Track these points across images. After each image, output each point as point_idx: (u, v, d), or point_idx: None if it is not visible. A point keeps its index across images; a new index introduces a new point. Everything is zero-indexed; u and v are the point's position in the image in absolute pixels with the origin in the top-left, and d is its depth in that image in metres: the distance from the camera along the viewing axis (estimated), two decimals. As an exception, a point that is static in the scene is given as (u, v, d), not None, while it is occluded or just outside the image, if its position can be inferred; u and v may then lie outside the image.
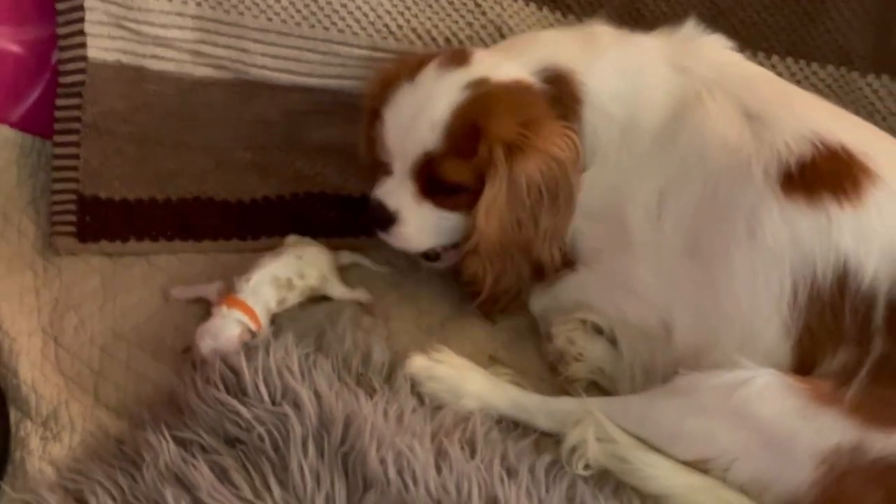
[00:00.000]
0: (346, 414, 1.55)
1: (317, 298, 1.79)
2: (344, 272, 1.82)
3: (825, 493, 1.45)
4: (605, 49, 1.71)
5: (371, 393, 1.62)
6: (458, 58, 1.69)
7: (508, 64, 1.68)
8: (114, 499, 1.52)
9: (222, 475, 1.53)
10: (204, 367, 1.63)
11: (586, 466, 1.57)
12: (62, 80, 1.90)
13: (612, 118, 1.68)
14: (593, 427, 1.57)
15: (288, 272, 1.74)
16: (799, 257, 1.50)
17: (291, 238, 1.82)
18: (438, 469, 1.53)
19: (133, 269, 1.84)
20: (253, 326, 1.67)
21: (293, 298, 1.75)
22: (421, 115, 1.64)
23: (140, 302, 1.80)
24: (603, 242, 1.70)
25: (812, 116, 1.58)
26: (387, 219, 1.70)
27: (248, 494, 1.50)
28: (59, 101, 1.91)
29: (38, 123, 1.96)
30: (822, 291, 1.49)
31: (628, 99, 1.67)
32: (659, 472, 1.53)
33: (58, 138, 1.91)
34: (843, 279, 1.48)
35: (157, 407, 1.64)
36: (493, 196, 1.63)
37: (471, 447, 1.58)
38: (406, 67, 1.70)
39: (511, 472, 1.55)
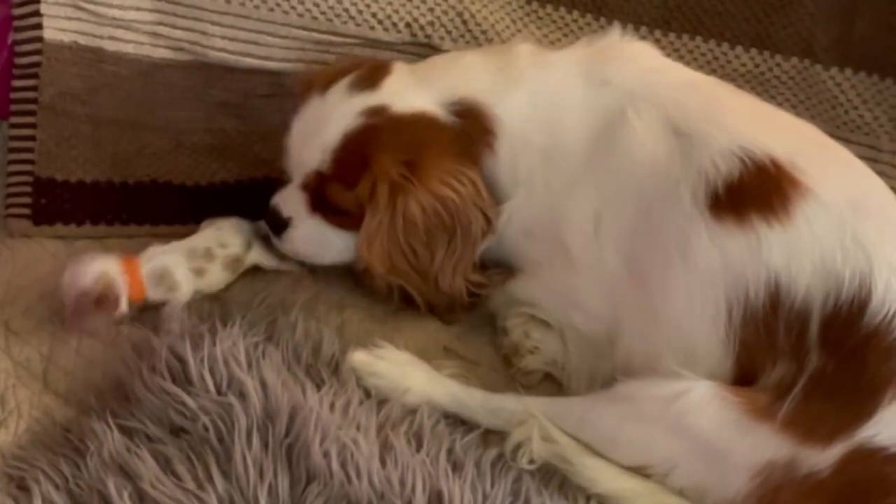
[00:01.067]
0: (291, 405, 1.55)
1: (266, 276, 1.79)
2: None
3: None
4: (519, 75, 1.67)
5: (319, 384, 1.62)
6: (372, 78, 1.68)
7: (417, 93, 1.67)
8: (56, 487, 1.52)
9: (166, 465, 1.53)
10: (151, 356, 1.62)
11: (531, 461, 1.57)
12: (18, 60, 1.88)
13: (530, 147, 1.65)
14: (537, 427, 1.57)
15: (206, 243, 1.75)
16: (731, 278, 1.49)
17: (206, 222, 1.81)
18: (383, 462, 1.53)
19: (86, 253, 1.82)
20: (122, 288, 1.67)
21: (217, 270, 1.75)
22: (317, 134, 1.65)
23: (91, 286, 1.78)
24: (544, 257, 1.69)
25: (741, 129, 1.55)
26: (280, 225, 1.72)
27: (191, 486, 1.50)
28: (16, 83, 1.89)
29: (-5, 104, 1.94)
30: (755, 310, 1.48)
31: (547, 125, 1.64)
32: (600, 476, 1.54)
33: (14, 119, 1.90)
34: (775, 297, 1.47)
35: (104, 394, 1.63)
36: (374, 229, 1.63)
37: (417, 440, 1.58)
38: (327, 76, 1.70)
39: (457, 466, 1.56)
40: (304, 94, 1.71)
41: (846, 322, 1.45)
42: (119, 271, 1.68)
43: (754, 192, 1.50)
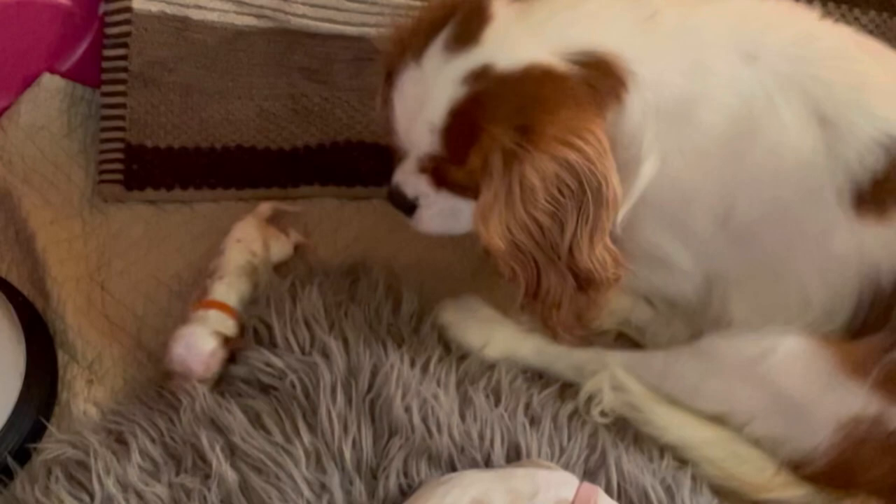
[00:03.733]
0: (373, 362, 1.61)
1: (346, 237, 1.85)
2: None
3: (839, 457, 1.47)
4: (665, 33, 1.47)
5: (399, 343, 1.66)
6: (469, 29, 1.45)
7: (527, 42, 1.44)
8: (152, 440, 1.59)
9: (255, 420, 1.59)
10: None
11: (602, 413, 1.60)
12: (108, 31, 1.94)
13: (662, 113, 1.47)
14: (608, 376, 1.60)
15: (246, 258, 1.74)
16: (866, 267, 1.49)
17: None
18: (462, 416, 1.58)
19: (176, 217, 1.89)
20: (233, 328, 1.67)
21: (265, 276, 1.76)
22: (420, 112, 1.46)
23: (181, 249, 1.85)
24: (654, 227, 1.58)
25: (886, 113, 1.48)
26: (407, 206, 1.58)
27: (279, 439, 1.56)
28: (106, 52, 1.95)
29: (88, 73, 2.00)
30: (882, 293, 1.49)
31: (686, 93, 1.47)
32: (670, 423, 1.57)
33: (105, 88, 1.96)
34: None
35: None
36: (489, 203, 1.44)
37: (495, 396, 1.62)
38: (420, 33, 1.48)
39: (534, 421, 1.60)
40: (398, 59, 1.50)
41: None
42: (225, 316, 1.68)
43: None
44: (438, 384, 1.61)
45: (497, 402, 1.61)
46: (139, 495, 1.54)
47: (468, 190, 1.50)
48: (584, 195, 1.43)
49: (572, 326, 1.58)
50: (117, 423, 1.63)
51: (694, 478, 1.55)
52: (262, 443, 1.56)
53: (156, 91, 1.94)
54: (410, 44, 1.49)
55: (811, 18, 1.56)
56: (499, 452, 1.55)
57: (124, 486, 1.54)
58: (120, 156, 1.93)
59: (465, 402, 1.60)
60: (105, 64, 1.96)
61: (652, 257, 1.60)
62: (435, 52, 1.45)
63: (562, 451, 1.57)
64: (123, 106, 1.94)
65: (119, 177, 1.91)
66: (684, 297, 1.64)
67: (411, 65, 1.47)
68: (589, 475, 1.53)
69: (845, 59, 1.52)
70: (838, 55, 1.52)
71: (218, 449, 1.56)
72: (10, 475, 1.61)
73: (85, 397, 1.69)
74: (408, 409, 1.57)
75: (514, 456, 1.56)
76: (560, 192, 1.43)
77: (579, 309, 1.55)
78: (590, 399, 1.61)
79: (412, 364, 1.62)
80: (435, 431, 1.56)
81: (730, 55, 1.48)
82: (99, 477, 1.55)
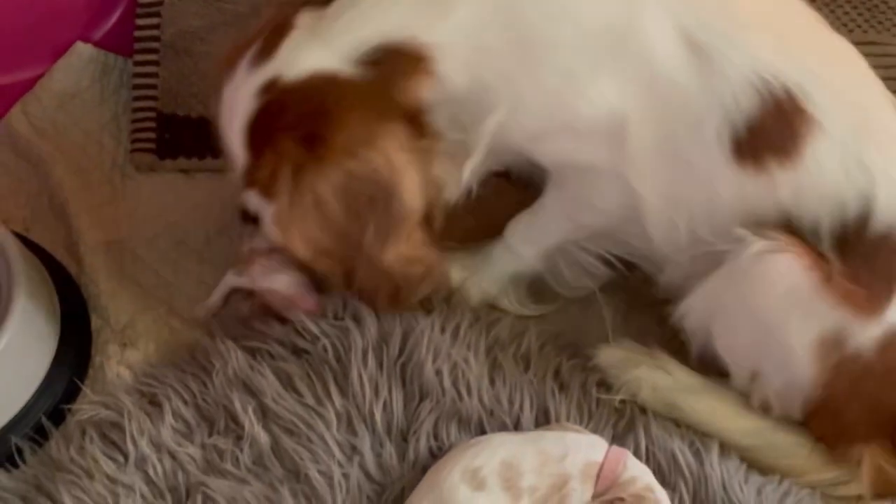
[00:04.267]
0: (403, 328, 1.62)
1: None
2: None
3: (829, 394, 1.50)
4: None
5: (429, 310, 1.67)
6: (271, 44, 1.46)
7: (313, 51, 1.43)
8: (185, 402, 1.61)
9: (287, 382, 1.61)
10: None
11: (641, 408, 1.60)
12: (141, 0, 1.97)
13: (492, 52, 1.44)
14: (647, 375, 1.59)
15: None
16: (748, 218, 1.49)
17: None
18: (492, 381, 1.60)
19: (206, 185, 1.90)
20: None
21: None
22: (230, 130, 1.49)
23: (211, 216, 1.86)
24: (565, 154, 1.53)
25: (759, 49, 1.46)
26: (252, 219, 1.56)
27: (311, 401, 1.58)
28: (139, 21, 1.97)
29: (120, 42, 2.02)
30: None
31: (512, 21, 1.43)
32: (710, 418, 1.57)
33: (137, 57, 1.98)
34: (786, 229, 1.48)
35: (226, 321, 1.71)
36: (283, 213, 1.46)
37: (524, 361, 1.64)
38: (238, 49, 1.50)
39: (563, 387, 1.61)
40: (224, 76, 1.51)
41: (854, 236, 1.46)
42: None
43: (771, 133, 1.46)
44: (469, 348, 1.62)
45: (526, 367, 1.63)
46: (172, 456, 1.56)
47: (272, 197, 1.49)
48: (375, 203, 1.45)
49: (392, 308, 1.61)
50: (150, 385, 1.65)
51: (722, 443, 1.56)
52: (293, 405, 1.58)
53: (187, 60, 1.96)
54: (231, 59, 1.50)
55: None
56: (528, 416, 1.57)
57: (157, 447, 1.57)
58: (152, 125, 1.94)
59: (494, 366, 1.62)
60: (137, 33, 1.98)
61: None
62: (241, 68, 1.48)
63: (590, 415, 1.58)
64: (155, 75, 1.96)
65: (151, 146, 1.93)
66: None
67: (226, 83, 1.49)
68: (617, 440, 1.55)
69: None
70: None
71: (250, 411, 1.58)
72: (45, 435, 1.63)
73: (118, 360, 1.71)
74: (438, 373, 1.59)
75: (543, 420, 1.57)
76: (354, 199, 1.44)
77: (395, 296, 1.58)
78: (626, 390, 1.60)
79: (442, 329, 1.64)
80: (465, 395, 1.57)
81: None
82: (133, 437, 1.57)
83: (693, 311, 1.56)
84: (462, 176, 1.52)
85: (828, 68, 1.50)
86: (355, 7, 1.45)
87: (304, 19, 1.47)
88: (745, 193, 1.49)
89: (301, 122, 1.42)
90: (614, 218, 1.58)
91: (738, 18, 1.48)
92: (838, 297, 1.45)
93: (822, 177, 1.47)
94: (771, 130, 1.46)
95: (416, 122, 1.46)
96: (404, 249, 1.50)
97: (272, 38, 1.46)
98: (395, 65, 1.42)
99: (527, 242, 1.67)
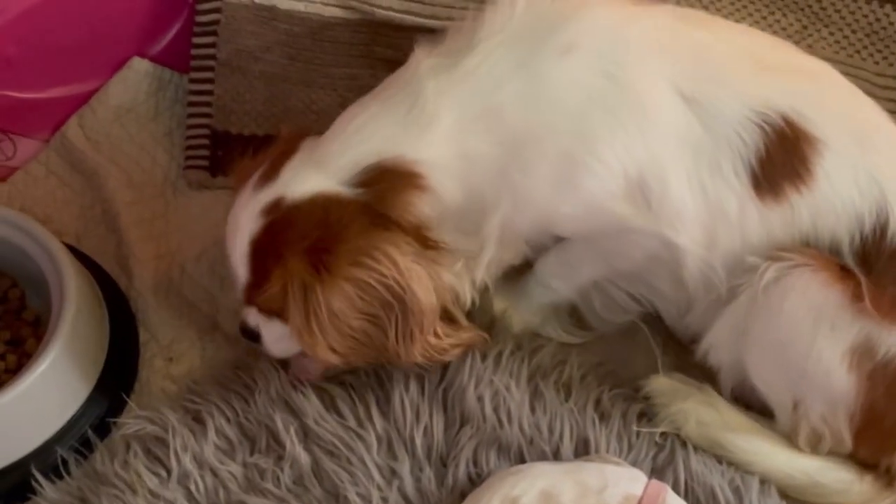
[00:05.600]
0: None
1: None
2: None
3: (867, 404, 1.49)
4: (430, 112, 1.47)
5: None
6: (275, 167, 1.51)
7: (312, 173, 1.49)
8: (228, 420, 1.63)
9: (329, 403, 1.63)
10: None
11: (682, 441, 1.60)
12: (199, 18, 1.98)
13: (479, 159, 1.48)
14: (694, 406, 1.58)
15: None
16: (772, 248, 1.50)
17: None
18: (533, 409, 1.60)
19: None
20: None
21: None
22: (234, 244, 1.52)
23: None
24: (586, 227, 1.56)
25: (745, 86, 1.49)
26: (253, 335, 1.59)
27: (353, 423, 1.60)
28: (196, 40, 1.99)
29: (176, 58, 2.05)
30: None
31: (491, 125, 1.47)
32: (754, 458, 1.56)
33: (193, 75, 2.00)
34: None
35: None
36: (301, 328, 1.48)
37: (566, 390, 1.64)
38: (249, 168, 1.55)
39: (603, 416, 1.61)
40: (239, 188, 1.56)
41: (874, 247, 1.48)
42: None
43: (781, 162, 1.48)
44: (510, 376, 1.63)
45: (567, 396, 1.63)
46: (214, 473, 1.58)
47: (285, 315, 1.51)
48: (391, 307, 1.47)
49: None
50: (194, 402, 1.67)
51: (762, 480, 1.55)
52: (335, 427, 1.60)
53: (242, 79, 1.98)
54: (242, 177, 1.56)
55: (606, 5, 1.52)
56: (567, 446, 1.57)
57: (200, 464, 1.59)
58: (206, 142, 1.96)
59: (535, 394, 1.62)
60: (194, 51, 2.00)
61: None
62: (247, 189, 1.52)
63: (630, 447, 1.58)
64: (210, 93, 1.98)
65: (205, 163, 1.95)
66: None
67: (233, 206, 1.54)
68: (656, 473, 1.54)
69: (668, 31, 1.52)
70: (658, 28, 1.51)
71: (292, 431, 1.59)
72: (90, 448, 1.66)
73: (164, 375, 1.74)
74: (480, 399, 1.60)
75: (583, 450, 1.57)
76: (369, 305, 1.47)
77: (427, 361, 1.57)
78: (669, 422, 1.60)
79: (484, 356, 1.64)
80: (506, 422, 1.58)
81: (530, 64, 1.47)
82: (176, 453, 1.59)
83: (717, 345, 1.57)
84: (476, 277, 1.56)
85: (815, 88, 1.53)
86: (346, 131, 1.50)
87: (305, 145, 1.53)
88: (771, 226, 1.51)
89: (305, 239, 1.46)
90: (650, 262, 1.58)
91: (716, 61, 1.51)
92: (862, 307, 1.45)
93: (836, 193, 1.49)
94: (780, 159, 1.49)
95: (418, 235, 1.49)
96: (432, 342, 1.52)
97: (276, 162, 1.52)
98: (387, 183, 1.47)
99: (558, 278, 1.67)
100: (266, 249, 1.49)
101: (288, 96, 1.99)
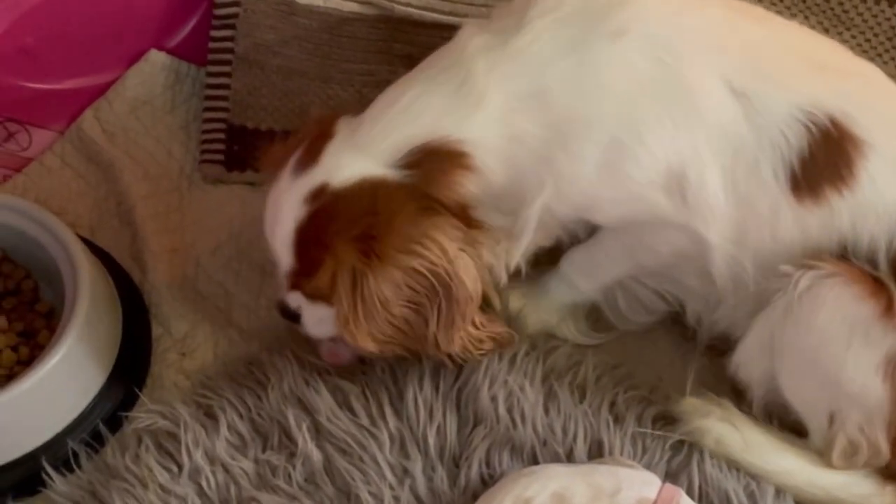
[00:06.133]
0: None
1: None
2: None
3: None
4: (480, 92, 1.45)
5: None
6: (313, 151, 1.49)
7: (357, 157, 1.47)
8: (240, 416, 1.63)
9: (342, 401, 1.62)
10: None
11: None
12: (217, 11, 1.97)
13: (524, 139, 1.46)
14: (714, 424, 1.56)
15: None
16: (809, 250, 1.50)
17: None
18: (547, 410, 1.59)
19: (271, 199, 1.92)
20: None
21: None
22: (276, 231, 1.51)
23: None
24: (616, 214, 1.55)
25: (793, 83, 1.48)
26: (293, 315, 1.57)
27: (365, 422, 1.59)
28: (214, 33, 1.98)
29: (193, 51, 2.04)
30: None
31: (540, 106, 1.46)
32: (775, 479, 1.54)
33: (211, 68, 1.99)
34: (843, 254, 1.49)
35: (283, 335, 1.72)
36: (347, 316, 1.47)
37: (580, 392, 1.63)
38: (285, 151, 1.53)
39: (618, 419, 1.60)
40: (271, 174, 1.55)
41: None
42: None
43: (824, 163, 1.47)
44: (525, 376, 1.62)
45: (582, 398, 1.62)
46: (226, 469, 1.57)
47: (332, 301, 1.50)
48: (436, 295, 1.47)
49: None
50: (207, 397, 1.66)
51: (778, 487, 1.54)
52: (348, 424, 1.59)
53: (259, 73, 1.97)
54: (278, 160, 1.54)
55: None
56: (581, 448, 1.56)
57: (212, 459, 1.58)
58: (222, 136, 1.96)
59: (549, 395, 1.61)
60: (212, 44, 1.99)
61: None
62: (286, 174, 1.50)
63: (644, 450, 1.57)
64: (227, 87, 1.97)
65: (220, 157, 1.95)
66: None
67: (272, 189, 1.53)
68: (671, 476, 1.53)
69: (721, 25, 1.50)
70: (711, 22, 1.50)
71: (304, 428, 1.58)
72: (101, 441, 1.65)
73: (177, 369, 1.73)
74: (493, 399, 1.59)
75: (597, 452, 1.56)
76: (415, 292, 1.46)
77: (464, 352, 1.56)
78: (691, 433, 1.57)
79: (499, 356, 1.63)
80: (519, 423, 1.57)
81: (579, 47, 1.45)
82: (188, 448, 1.58)
83: (748, 361, 1.55)
84: (512, 259, 1.54)
85: (864, 90, 1.52)
86: (389, 113, 1.49)
87: (342, 127, 1.51)
88: (807, 227, 1.49)
89: (354, 226, 1.45)
90: (677, 258, 1.57)
91: (768, 58, 1.49)
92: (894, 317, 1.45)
93: (878, 196, 1.48)
94: (824, 160, 1.47)
95: (463, 215, 1.48)
96: (471, 332, 1.52)
97: (314, 145, 1.50)
98: (434, 164, 1.46)
99: (583, 275, 1.66)
100: (313, 238, 1.47)
101: (305, 91, 1.98)
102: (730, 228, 1.51)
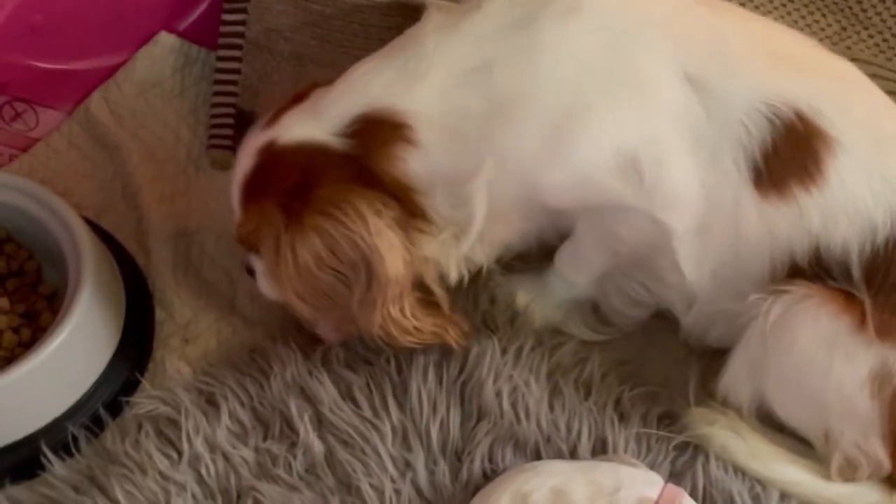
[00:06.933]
0: (465, 347, 1.60)
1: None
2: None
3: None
4: (426, 62, 1.46)
5: (493, 330, 1.66)
6: (281, 111, 1.53)
7: (307, 121, 1.49)
8: (242, 404, 1.61)
9: (345, 391, 1.61)
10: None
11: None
12: (228, -5, 1.97)
13: (469, 115, 1.45)
14: (719, 432, 1.55)
15: None
16: (778, 249, 1.48)
17: None
18: (551, 406, 1.58)
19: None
20: None
21: None
22: (233, 183, 1.54)
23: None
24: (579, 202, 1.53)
25: (757, 74, 1.45)
26: (250, 272, 1.61)
27: (368, 413, 1.58)
28: (225, 17, 1.97)
29: (204, 34, 2.03)
30: (800, 269, 1.48)
31: (488, 83, 1.45)
32: (781, 487, 1.53)
33: (221, 52, 1.97)
34: (816, 256, 1.47)
35: (287, 323, 1.70)
36: (270, 271, 1.51)
37: (585, 388, 1.62)
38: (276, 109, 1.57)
39: (623, 417, 1.59)
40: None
41: (885, 260, 1.44)
42: None
43: (789, 158, 1.44)
44: (530, 371, 1.61)
45: (587, 395, 1.61)
46: (226, 457, 1.56)
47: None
48: (357, 266, 1.46)
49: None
50: (209, 384, 1.65)
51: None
52: (350, 416, 1.58)
53: (270, 59, 1.95)
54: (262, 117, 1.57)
55: None
56: (585, 445, 1.55)
57: (212, 447, 1.57)
58: (230, 121, 1.94)
59: (554, 392, 1.60)
60: (223, 28, 1.97)
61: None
62: (254, 129, 1.55)
63: (648, 449, 1.55)
64: (237, 72, 1.95)
65: (229, 143, 1.92)
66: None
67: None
68: (675, 476, 1.52)
69: (678, 11, 1.48)
70: (688, 11, 1.49)
71: (306, 418, 1.57)
72: (101, 426, 1.64)
73: (179, 355, 1.72)
74: (498, 394, 1.57)
75: (601, 450, 1.55)
76: (336, 259, 1.46)
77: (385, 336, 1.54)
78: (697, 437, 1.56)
79: (504, 351, 1.62)
80: (523, 418, 1.56)
81: (529, 24, 1.45)
82: (188, 436, 1.57)
83: (735, 386, 1.54)
84: (462, 253, 1.53)
85: (833, 85, 1.49)
86: (345, 83, 1.51)
87: (315, 93, 1.54)
88: (773, 224, 1.47)
89: (283, 184, 1.47)
90: (647, 248, 1.55)
91: (730, 49, 1.47)
92: (873, 333, 1.43)
93: (848, 196, 1.45)
94: (789, 155, 1.45)
95: (405, 199, 1.48)
96: (394, 316, 1.49)
97: (287, 106, 1.54)
98: (374, 134, 1.46)
99: (573, 269, 1.65)
100: (251, 189, 1.51)
101: (315, 77, 1.92)
102: (692, 216, 1.49)
